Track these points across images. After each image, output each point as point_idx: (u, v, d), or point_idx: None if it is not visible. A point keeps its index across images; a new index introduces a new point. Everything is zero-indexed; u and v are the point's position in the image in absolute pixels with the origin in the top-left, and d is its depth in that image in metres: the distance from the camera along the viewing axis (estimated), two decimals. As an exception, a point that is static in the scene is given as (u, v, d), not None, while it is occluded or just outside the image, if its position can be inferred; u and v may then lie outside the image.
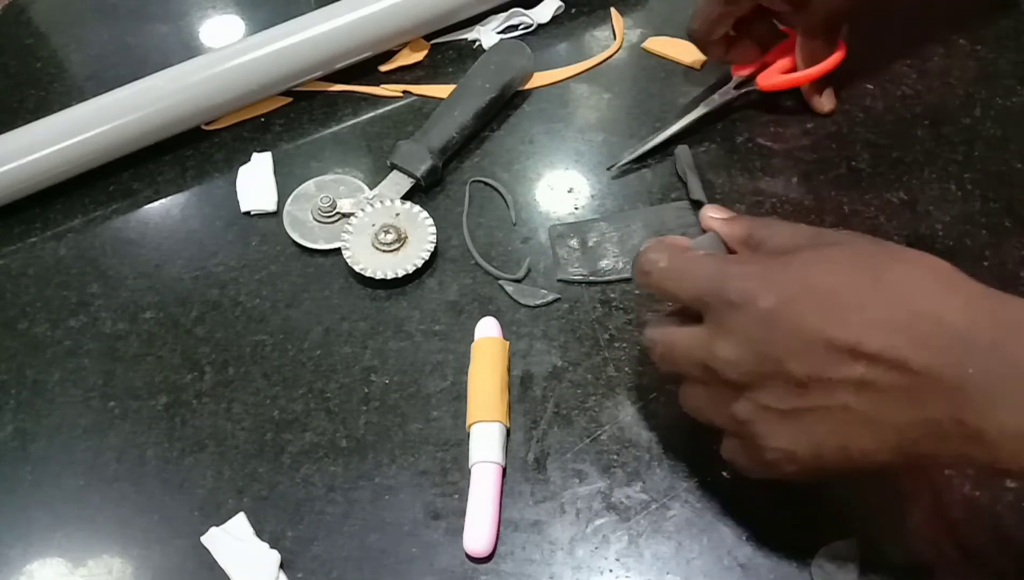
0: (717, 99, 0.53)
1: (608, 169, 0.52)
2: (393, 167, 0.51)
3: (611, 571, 0.37)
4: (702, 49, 0.53)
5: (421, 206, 0.50)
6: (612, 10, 0.62)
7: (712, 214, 0.38)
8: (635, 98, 0.56)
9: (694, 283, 0.34)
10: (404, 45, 0.60)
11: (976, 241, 0.47)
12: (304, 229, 0.50)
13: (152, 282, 0.49)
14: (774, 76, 0.52)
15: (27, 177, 0.51)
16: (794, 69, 0.52)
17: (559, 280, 0.47)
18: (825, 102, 0.53)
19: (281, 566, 0.38)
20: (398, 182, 0.51)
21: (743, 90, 0.53)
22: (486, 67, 0.55)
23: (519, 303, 0.46)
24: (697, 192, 0.49)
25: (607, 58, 0.59)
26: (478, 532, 0.38)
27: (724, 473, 0.40)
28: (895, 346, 0.28)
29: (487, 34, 0.60)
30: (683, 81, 0.57)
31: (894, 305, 0.29)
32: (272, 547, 0.38)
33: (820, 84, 0.53)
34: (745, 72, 0.53)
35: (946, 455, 0.29)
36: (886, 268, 0.30)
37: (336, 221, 0.50)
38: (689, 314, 0.34)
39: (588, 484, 0.40)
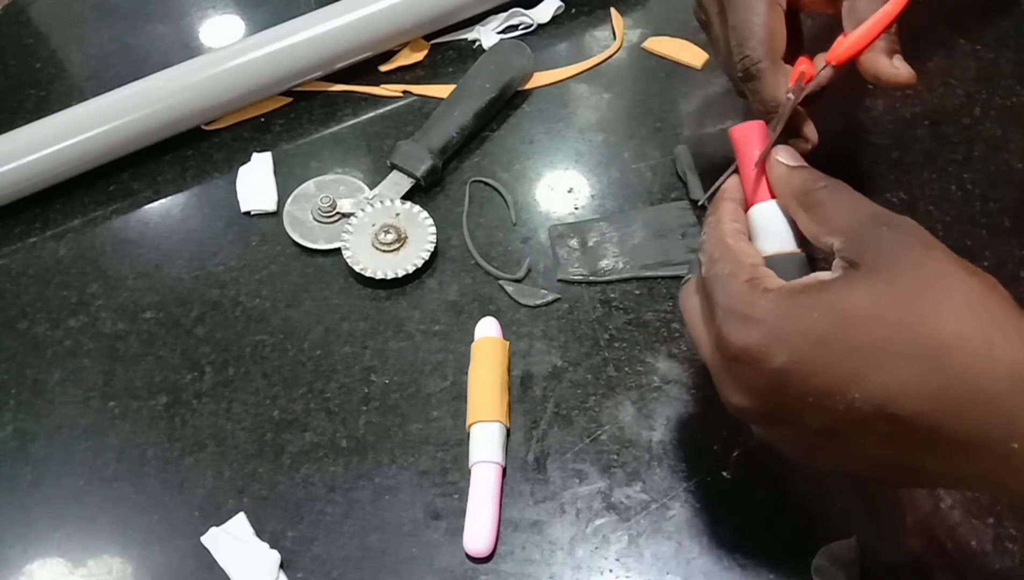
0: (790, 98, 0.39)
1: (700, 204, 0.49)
2: (393, 167, 0.51)
3: (611, 571, 0.37)
4: (768, 89, 0.39)
5: (421, 206, 0.50)
6: (612, 10, 0.62)
7: (781, 158, 0.33)
8: (635, 98, 0.56)
9: (695, 335, 0.32)
10: (404, 45, 0.60)
11: (976, 241, 0.47)
12: (304, 229, 0.50)
13: (152, 282, 0.49)
14: (838, 49, 0.38)
15: (27, 177, 0.51)
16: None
17: (559, 280, 0.47)
18: (901, 67, 0.38)
19: (281, 566, 0.38)
20: (398, 182, 0.51)
21: (802, 93, 0.39)
22: (486, 67, 0.55)
23: (519, 303, 0.46)
24: (697, 192, 0.49)
25: (607, 58, 0.59)
26: (478, 532, 0.38)
27: (724, 473, 0.40)
28: (926, 413, 0.26)
29: (487, 34, 0.60)
30: (683, 81, 0.57)
31: (927, 367, 0.26)
32: (272, 547, 0.38)
33: (886, 46, 0.38)
34: (792, 81, 0.40)
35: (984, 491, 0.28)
36: (921, 318, 0.26)
37: (336, 221, 0.50)
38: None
39: (588, 484, 0.40)
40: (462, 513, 0.39)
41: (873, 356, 0.26)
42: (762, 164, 0.34)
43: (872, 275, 0.27)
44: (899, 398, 0.26)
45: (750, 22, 0.39)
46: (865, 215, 0.30)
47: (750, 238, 0.34)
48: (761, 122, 0.36)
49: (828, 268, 0.30)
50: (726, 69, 0.43)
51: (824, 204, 0.31)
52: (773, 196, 0.34)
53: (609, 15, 0.62)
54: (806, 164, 0.33)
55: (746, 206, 0.35)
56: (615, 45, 0.60)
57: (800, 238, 0.33)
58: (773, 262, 0.32)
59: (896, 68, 0.37)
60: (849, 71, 0.38)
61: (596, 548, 0.38)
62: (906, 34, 0.38)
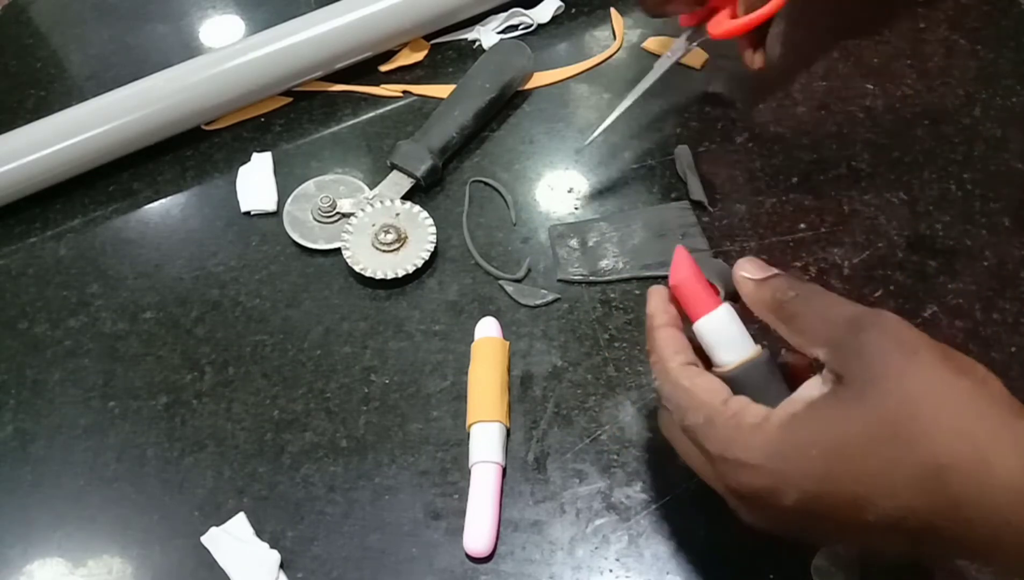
0: (671, 56, 0.52)
1: (578, 151, 0.53)
2: (393, 167, 0.51)
3: (611, 571, 0.37)
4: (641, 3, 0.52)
5: (421, 206, 0.50)
6: (612, 10, 0.62)
7: (745, 273, 0.32)
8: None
9: (697, 469, 0.32)
10: (404, 45, 0.60)
11: (976, 241, 0.47)
12: (304, 229, 0.50)
13: (152, 282, 0.49)
14: (723, 23, 0.49)
15: (27, 177, 0.51)
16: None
17: (559, 280, 0.47)
18: (757, 59, 0.52)
19: (281, 566, 0.38)
20: (398, 182, 0.51)
21: (694, 43, 0.52)
22: (486, 67, 0.55)
23: (519, 303, 0.46)
24: (697, 192, 0.49)
25: (607, 58, 0.59)
26: (478, 532, 0.38)
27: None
28: (940, 527, 0.26)
29: (487, 34, 0.60)
30: (683, 81, 0.57)
31: (931, 490, 0.26)
32: (272, 547, 0.38)
33: (755, 39, 0.52)
34: (694, 22, 0.51)
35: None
36: (916, 442, 0.26)
37: (336, 221, 0.50)
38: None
39: (588, 484, 0.40)
40: (462, 513, 0.39)
41: (877, 484, 0.27)
42: (698, 275, 0.33)
43: (861, 396, 0.27)
44: (911, 517, 0.26)
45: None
46: (843, 322, 0.29)
47: (707, 352, 0.33)
48: (680, 246, 0.34)
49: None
50: None
51: (799, 316, 0.30)
52: (714, 304, 0.32)
53: (609, 15, 0.62)
54: (772, 271, 0.32)
55: (692, 320, 0.33)
56: (615, 45, 0.60)
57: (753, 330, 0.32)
58: (739, 376, 0.31)
59: (752, 58, 0.52)
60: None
61: (596, 548, 0.38)
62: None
